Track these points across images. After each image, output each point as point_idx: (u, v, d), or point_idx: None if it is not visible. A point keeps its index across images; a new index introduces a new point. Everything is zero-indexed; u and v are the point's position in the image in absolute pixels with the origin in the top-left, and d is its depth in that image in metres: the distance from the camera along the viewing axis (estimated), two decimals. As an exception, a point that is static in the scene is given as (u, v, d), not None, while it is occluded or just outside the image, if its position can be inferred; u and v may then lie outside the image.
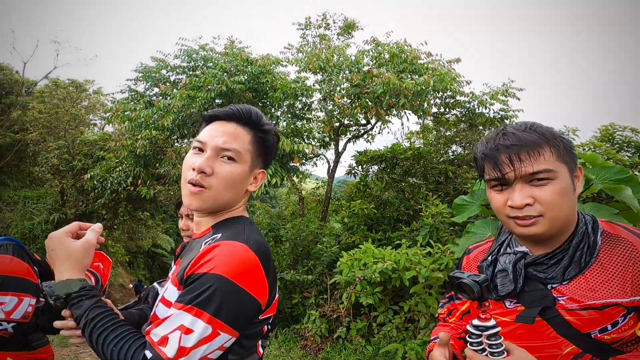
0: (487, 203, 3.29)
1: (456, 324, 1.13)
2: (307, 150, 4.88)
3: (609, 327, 0.78)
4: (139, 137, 5.57)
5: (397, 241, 4.33)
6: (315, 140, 6.40)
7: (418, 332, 3.40)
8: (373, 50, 5.90)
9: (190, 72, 5.90)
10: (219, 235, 0.85)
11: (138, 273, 13.63)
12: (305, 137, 5.89)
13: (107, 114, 5.86)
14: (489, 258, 0.95)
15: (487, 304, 0.77)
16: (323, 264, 5.03)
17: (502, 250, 0.94)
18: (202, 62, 5.87)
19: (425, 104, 5.31)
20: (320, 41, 6.35)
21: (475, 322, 0.78)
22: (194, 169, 0.86)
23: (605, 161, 2.46)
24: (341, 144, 6.69)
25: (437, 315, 1.21)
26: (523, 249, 0.90)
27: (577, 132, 5.06)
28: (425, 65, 5.58)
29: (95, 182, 6.64)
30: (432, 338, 1.12)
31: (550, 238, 0.84)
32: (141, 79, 5.62)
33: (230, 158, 0.88)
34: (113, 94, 5.74)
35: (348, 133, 6.78)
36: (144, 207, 8.75)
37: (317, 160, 7.20)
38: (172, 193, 9.06)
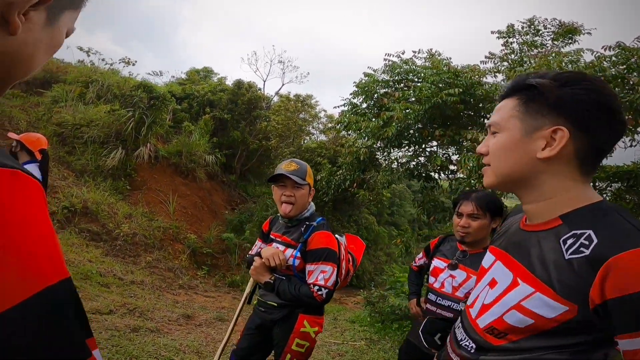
0: None
1: None
2: None
3: None
4: (361, 145, 6.42)
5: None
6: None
7: None
8: (620, 55, 4.73)
9: (395, 85, 6.26)
10: (589, 232, 0.73)
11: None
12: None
13: (338, 125, 7.12)
14: None
15: None
16: None
17: None
18: (404, 76, 6.20)
19: None
20: (529, 48, 5.77)
21: None
22: (481, 153, 0.93)
23: None
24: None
25: None
26: None
27: None
28: None
29: (323, 183, 7.95)
30: None
31: None
32: (358, 93, 6.42)
33: (494, 133, 0.89)
34: (339, 106, 6.88)
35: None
36: (342, 208, 9.82)
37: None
38: (370, 198, 9.86)
